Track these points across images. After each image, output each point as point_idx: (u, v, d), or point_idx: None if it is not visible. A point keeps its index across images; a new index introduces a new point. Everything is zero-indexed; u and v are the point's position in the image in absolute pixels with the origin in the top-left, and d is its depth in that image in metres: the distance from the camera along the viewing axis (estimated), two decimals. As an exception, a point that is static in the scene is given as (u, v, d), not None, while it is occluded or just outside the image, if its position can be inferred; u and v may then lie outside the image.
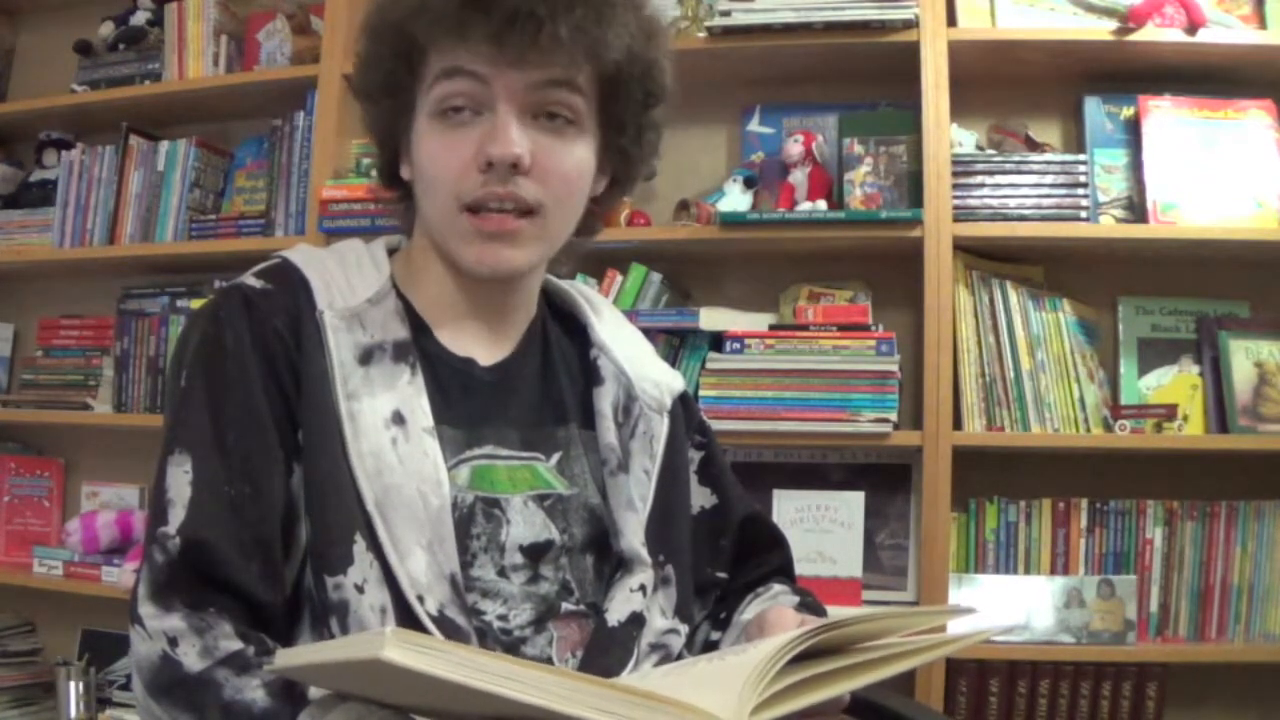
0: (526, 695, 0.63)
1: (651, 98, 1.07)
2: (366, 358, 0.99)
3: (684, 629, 1.09)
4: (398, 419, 0.97)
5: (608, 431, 1.09)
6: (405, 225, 1.12)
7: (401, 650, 0.61)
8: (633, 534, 1.05)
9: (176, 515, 0.91)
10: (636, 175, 1.13)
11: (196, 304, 2.49)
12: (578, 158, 1.02)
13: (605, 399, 1.10)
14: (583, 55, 0.98)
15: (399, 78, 1.01)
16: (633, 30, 1.01)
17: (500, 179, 0.98)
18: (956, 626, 0.88)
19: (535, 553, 1.00)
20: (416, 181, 1.04)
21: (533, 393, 1.09)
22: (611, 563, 1.06)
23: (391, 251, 1.11)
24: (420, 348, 1.03)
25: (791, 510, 2.10)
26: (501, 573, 0.99)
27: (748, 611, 1.13)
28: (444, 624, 0.92)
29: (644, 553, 1.05)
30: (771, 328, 2.14)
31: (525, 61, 0.96)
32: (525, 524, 1.00)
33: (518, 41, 0.94)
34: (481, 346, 1.08)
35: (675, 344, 2.15)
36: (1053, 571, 2.06)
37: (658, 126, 1.10)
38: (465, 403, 1.04)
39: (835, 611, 1.02)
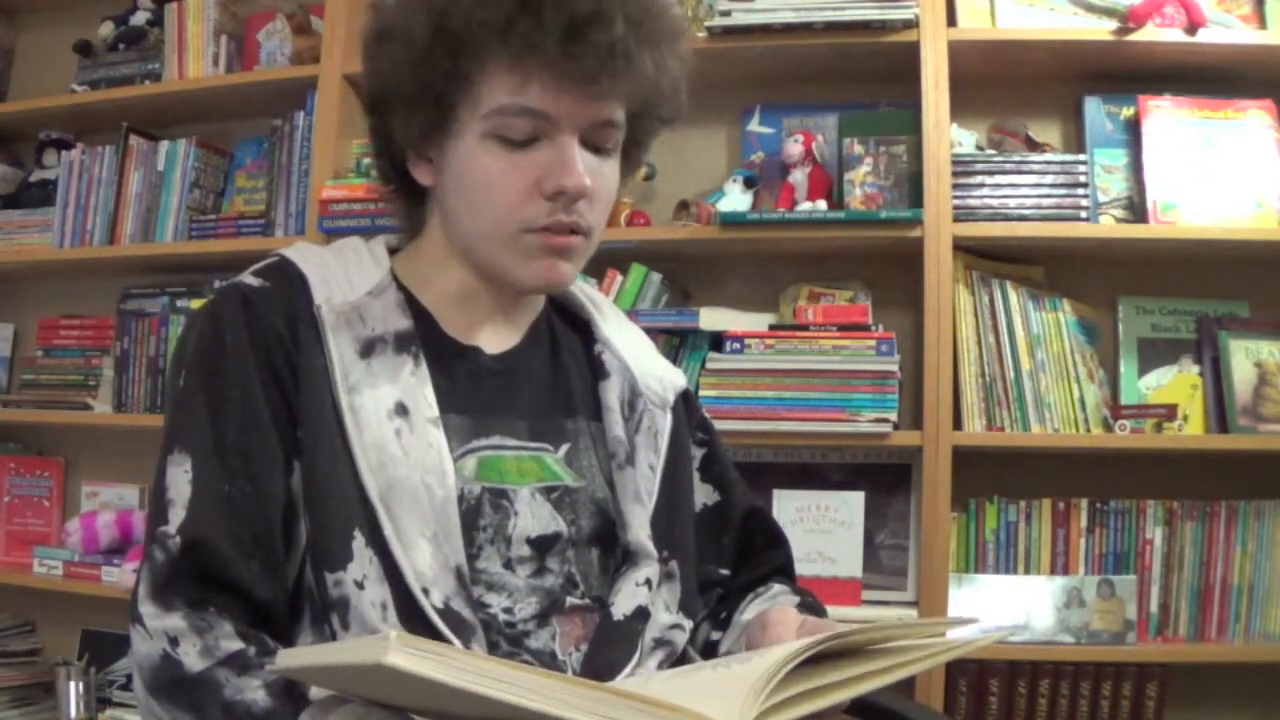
0: (530, 701, 0.63)
1: (674, 118, 1.09)
2: (367, 350, 0.99)
3: (688, 625, 1.09)
4: (401, 410, 0.97)
5: (615, 425, 1.09)
6: (408, 225, 1.11)
7: (405, 656, 0.61)
8: (640, 527, 1.05)
9: (176, 515, 0.91)
10: (628, 181, 1.16)
11: (196, 304, 2.49)
12: (615, 177, 1.05)
13: (612, 392, 1.11)
14: (648, 88, 0.99)
15: (448, 89, 0.98)
16: (683, 60, 1.03)
17: (566, 206, 0.99)
18: (958, 631, 0.88)
19: (543, 545, 1.00)
20: (454, 196, 1.02)
21: (541, 384, 1.09)
22: (616, 556, 1.06)
23: (391, 251, 1.11)
24: (424, 337, 1.03)
25: (791, 510, 2.10)
26: (507, 565, 0.99)
27: (748, 612, 1.13)
28: (449, 617, 0.92)
29: (650, 546, 1.05)
30: (771, 328, 2.14)
31: (603, 96, 0.97)
32: (533, 516, 1.01)
33: (602, 77, 0.94)
34: (487, 338, 1.08)
35: (675, 344, 2.14)
36: (1053, 571, 2.06)
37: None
38: (472, 391, 1.04)
39: (835, 614, 1.02)
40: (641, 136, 1.08)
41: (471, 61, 0.96)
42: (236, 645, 0.87)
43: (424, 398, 0.99)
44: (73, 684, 2.44)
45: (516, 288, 1.04)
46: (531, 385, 1.08)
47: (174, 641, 0.87)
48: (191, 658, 0.86)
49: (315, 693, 0.83)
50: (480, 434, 1.02)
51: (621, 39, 0.93)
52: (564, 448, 1.07)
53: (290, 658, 0.73)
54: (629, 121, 1.04)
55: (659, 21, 0.98)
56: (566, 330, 1.16)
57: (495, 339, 1.08)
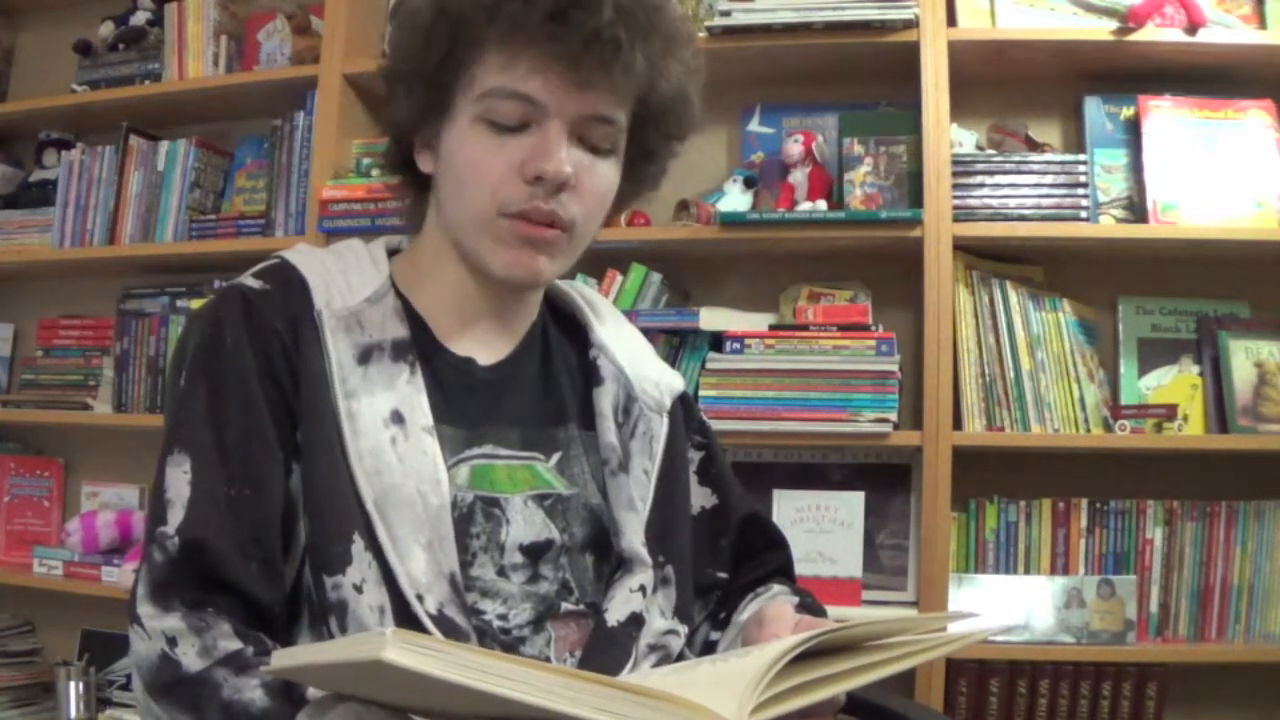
0: (528, 696, 0.62)
1: (683, 131, 1.08)
2: (365, 357, 0.99)
3: (683, 630, 1.09)
4: (397, 418, 0.97)
5: (608, 431, 1.09)
6: (413, 219, 1.11)
7: (402, 651, 0.61)
8: (633, 534, 1.05)
9: (176, 515, 0.91)
10: (639, 196, 1.15)
11: (196, 304, 2.49)
12: (610, 179, 1.04)
13: (605, 399, 1.10)
14: (643, 87, 0.99)
15: (444, 71, 0.99)
16: (686, 65, 1.03)
17: (546, 194, 0.98)
18: (956, 627, 0.88)
19: (535, 552, 1.00)
20: (444, 179, 1.03)
21: (533, 392, 1.09)
22: (611, 563, 1.06)
23: (392, 252, 1.11)
24: (420, 347, 1.02)
25: (791, 510, 2.10)
26: (501, 572, 0.99)
27: (746, 612, 1.13)
28: (443, 623, 0.92)
29: (644, 553, 1.05)
30: (771, 328, 2.14)
31: (591, 87, 0.96)
32: (525, 523, 1.00)
33: (590, 64, 0.94)
34: (482, 346, 1.08)
35: (675, 344, 2.14)
36: (1053, 571, 2.06)
37: (673, 157, 1.12)
38: (465, 402, 1.04)
39: (835, 614, 1.02)
40: (649, 146, 1.07)
41: (467, 44, 0.97)
42: (235, 645, 0.87)
43: (419, 406, 0.99)
44: (73, 684, 2.44)
45: (492, 277, 1.03)
46: (523, 395, 1.08)
47: (172, 642, 0.87)
48: (190, 658, 0.86)
49: (313, 692, 0.83)
50: (472, 443, 1.02)
51: (609, 25, 0.93)
52: (555, 456, 1.06)
53: (286, 657, 0.73)
54: (635, 130, 1.04)
55: (653, 17, 0.97)
56: (560, 336, 1.15)
57: (489, 348, 1.08)
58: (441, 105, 1.01)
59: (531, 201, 0.98)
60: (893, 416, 2.02)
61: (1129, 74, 2.13)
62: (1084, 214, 2.06)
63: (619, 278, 2.18)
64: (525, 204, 0.98)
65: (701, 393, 2.06)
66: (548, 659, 0.98)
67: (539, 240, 1.00)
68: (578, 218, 1.01)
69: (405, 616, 0.92)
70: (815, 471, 2.19)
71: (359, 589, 0.92)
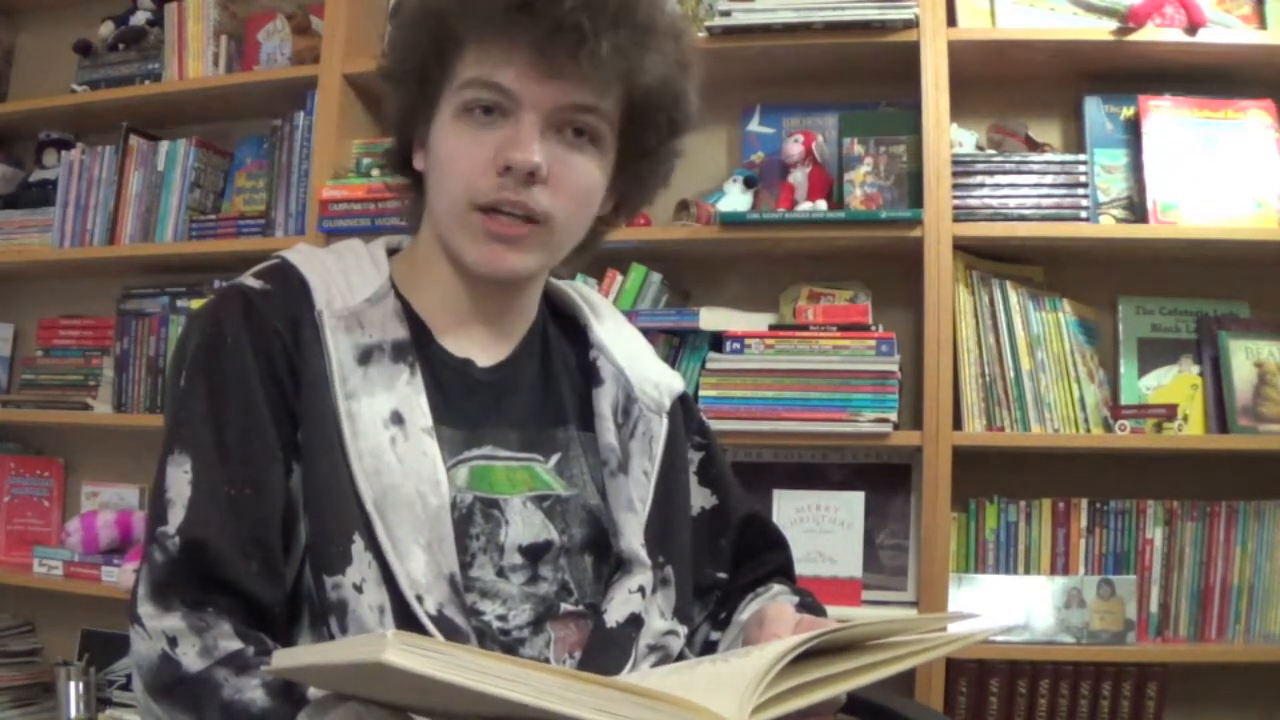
0: (527, 697, 0.62)
1: (676, 128, 1.07)
2: (365, 358, 0.99)
3: (683, 630, 1.09)
4: (396, 419, 0.97)
5: (607, 432, 1.09)
6: (412, 219, 1.11)
7: (403, 653, 0.61)
8: (632, 535, 1.05)
9: (176, 515, 0.91)
10: (644, 201, 1.14)
11: (196, 304, 2.49)
12: (592, 175, 1.03)
13: (605, 400, 1.10)
14: (617, 78, 0.98)
15: (429, 67, 1.01)
16: (670, 58, 1.02)
17: (515, 185, 0.98)
18: (956, 627, 0.88)
19: (534, 553, 1.00)
20: (430, 175, 1.04)
21: (532, 394, 1.09)
22: (610, 564, 1.06)
23: (392, 252, 1.11)
24: (419, 348, 1.02)
25: (791, 510, 2.10)
26: (500, 573, 0.99)
27: (746, 612, 1.13)
28: (443, 624, 0.92)
29: (643, 554, 1.05)
30: (771, 328, 2.14)
31: (561, 76, 0.96)
32: (524, 525, 1.00)
33: (557, 54, 0.94)
34: (481, 348, 1.07)
35: (675, 344, 2.14)
36: (1053, 571, 2.06)
37: (675, 157, 1.11)
38: (464, 404, 1.04)
39: (835, 614, 1.02)
40: (645, 145, 1.06)
41: (448, 40, 0.99)
42: (235, 645, 0.87)
43: (419, 408, 0.98)
44: (73, 684, 2.44)
45: (468, 271, 1.03)
46: (522, 396, 1.08)
47: (173, 642, 0.87)
48: (190, 658, 0.86)
49: (314, 692, 0.83)
50: (472, 445, 1.02)
51: (570, 13, 0.93)
52: (555, 457, 1.06)
53: (287, 658, 0.73)
54: (628, 129, 1.03)
55: (628, 7, 0.97)
56: (560, 336, 1.15)
57: (488, 350, 1.08)
58: (430, 102, 1.02)
59: (501, 193, 0.98)
60: (893, 416, 2.02)
61: (1129, 74, 2.13)
62: (1084, 214, 2.06)
63: (619, 278, 2.18)
64: (496, 195, 0.98)
65: (701, 393, 2.06)
66: (547, 660, 0.98)
67: (506, 236, 0.99)
68: (553, 211, 1.00)
69: (405, 617, 0.92)
70: (815, 471, 2.19)
71: (359, 589, 0.92)
